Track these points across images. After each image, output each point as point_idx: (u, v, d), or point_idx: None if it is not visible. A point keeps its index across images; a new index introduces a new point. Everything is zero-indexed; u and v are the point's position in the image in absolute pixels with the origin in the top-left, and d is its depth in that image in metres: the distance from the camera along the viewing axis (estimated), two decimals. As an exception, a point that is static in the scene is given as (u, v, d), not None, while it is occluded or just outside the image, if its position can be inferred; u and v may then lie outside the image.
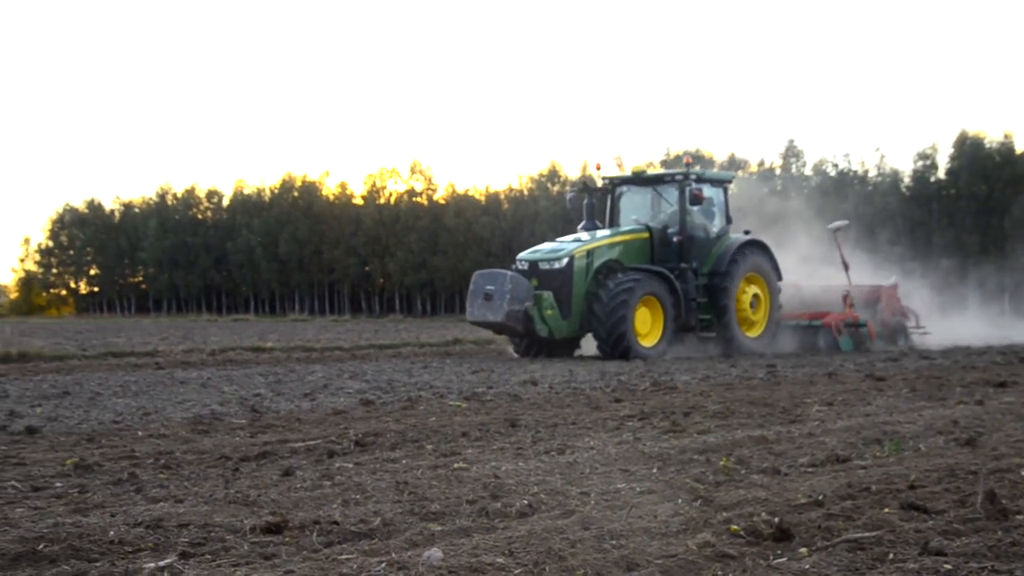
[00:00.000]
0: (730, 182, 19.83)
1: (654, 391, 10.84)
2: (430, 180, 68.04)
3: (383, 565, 3.70)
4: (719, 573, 3.77)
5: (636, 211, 19.21)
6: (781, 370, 13.69)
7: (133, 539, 4.14)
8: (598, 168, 20.05)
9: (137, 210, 77.50)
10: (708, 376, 12.82)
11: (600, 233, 18.31)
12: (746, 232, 19.38)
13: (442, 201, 66.41)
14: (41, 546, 3.96)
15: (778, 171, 60.36)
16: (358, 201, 70.29)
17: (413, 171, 68.33)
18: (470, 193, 65.99)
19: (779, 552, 4.04)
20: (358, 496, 5.07)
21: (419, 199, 67.25)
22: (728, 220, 19.23)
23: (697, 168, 19.62)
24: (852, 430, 7.51)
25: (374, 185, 70.26)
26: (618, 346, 16.93)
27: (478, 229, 61.88)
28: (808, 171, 59.53)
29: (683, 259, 18.26)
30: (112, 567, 3.74)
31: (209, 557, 3.94)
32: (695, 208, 18.74)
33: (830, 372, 13.06)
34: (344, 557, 3.87)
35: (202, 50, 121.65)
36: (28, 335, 24.66)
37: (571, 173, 61.94)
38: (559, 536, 4.14)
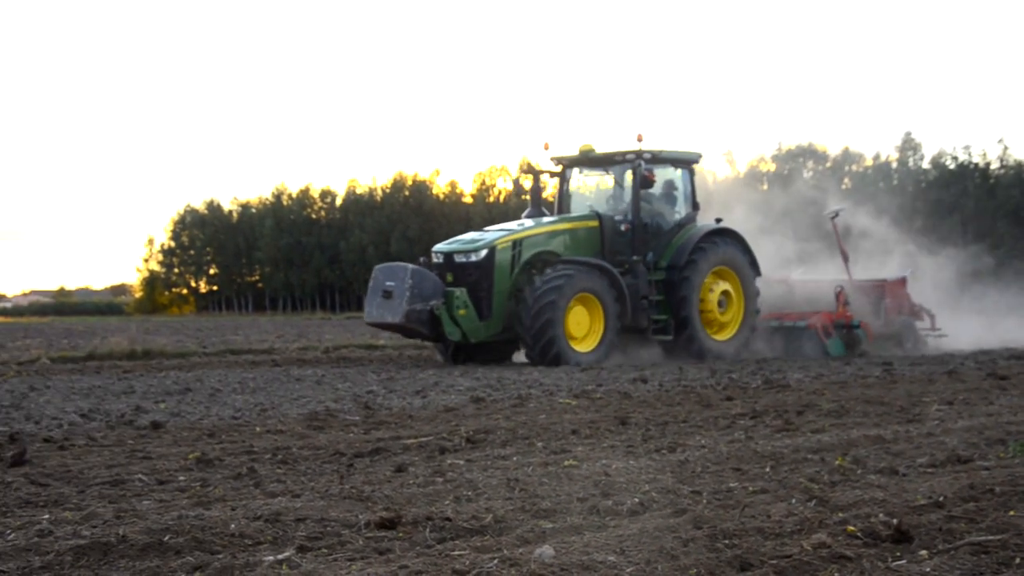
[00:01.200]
0: (696, 162, 17.00)
1: (766, 389, 10.69)
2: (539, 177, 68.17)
3: (495, 562, 3.73)
4: (836, 575, 3.71)
5: (588, 197, 17.11)
6: (898, 368, 13.36)
7: (253, 532, 4.24)
8: (546, 148, 17.24)
9: (254, 210, 79.49)
10: (822, 374, 12.59)
11: (535, 221, 16.01)
12: (717, 220, 16.85)
13: (551, 199, 66.44)
14: (167, 537, 4.09)
15: (894, 164, 58.86)
16: (468, 199, 70.84)
17: (521, 169, 68.69)
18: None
19: (898, 554, 3.95)
20: (470, 493, 5.12)
21: (526, 196, 67.47)
22: (695, 206, 16.72)
23: (650, 146, 16.30)
24: (974, 430, 7.28)
25: (483, 183, 70.73)
26: (546, 352, 14.67)
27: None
28: (926, 164, 57.91)
29: (636, 250, 15.84)
30: (233, 559, 3.84)
31: (325, 551, 4.02)
32: (656, 193, 16.43)
33: (950, 370, 12.69)
34: (457, 553, 3.91)
35: (317, 52, 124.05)
36: (152, 333, 25.48)
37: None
38: (671, 535, 4.11)
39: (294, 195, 78.02)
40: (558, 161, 17.00)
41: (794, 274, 18.55)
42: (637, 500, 4.85)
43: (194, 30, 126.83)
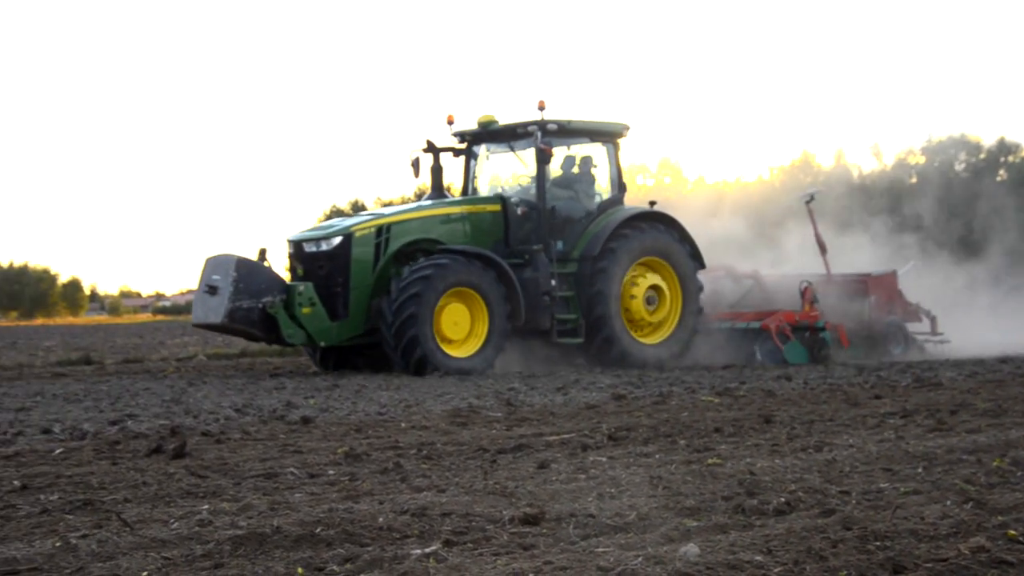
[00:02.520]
0: (619, 135, 14.73)
1: (916, 387, 10.36)
2: (679, 174, 67.49)
3: (639, 559, 3.72)
4: (994, 580, 3.58)
5: (498, 177, 15.04)
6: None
7: (400, 526, 4.33)
8: (450, 121, 14.97)
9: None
10: (976, 372, 12.13)
11: (415, 205, 14.23)
12: (651, 204, 14.83)
13: (689, 196, 65.67)
14: (318, 529, 4.21)
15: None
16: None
17: (662, 167, 68.06)
18: (719, 187, 64.95)
19: (1062, 560, 3.78)
20: (612, 490, 5.12)
21: (668, 195, 66.82)
22: (621, 187, 14.70)
23: (560, 115, 14.10)
24: None
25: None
26: (408, 354, 12.65)
27: (725, 226, 60.77)
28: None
29: (540, 239, 13.78)
30: (382, 552, 3.94)
31: (471, 545, 4.08)
32: (571, 172, 14.46)
33: (1117, 368, 12.06)
34: (601, 550, 3.92)
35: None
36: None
37: (824, 163, 59.84)
38: (819, 535, 4.03)
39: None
40: (461, 137, 14.90)
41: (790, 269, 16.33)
42: (783, 499, 4.76)
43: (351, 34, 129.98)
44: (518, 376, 12.52)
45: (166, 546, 4.06)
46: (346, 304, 13.10)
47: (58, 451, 6.56)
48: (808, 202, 16.59)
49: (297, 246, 13.41)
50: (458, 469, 5.92)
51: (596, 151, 14.72)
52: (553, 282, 13.64)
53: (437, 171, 14.97)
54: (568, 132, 14.21)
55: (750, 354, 14.69)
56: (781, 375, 12.01)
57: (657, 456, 6.24)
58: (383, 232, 13.33)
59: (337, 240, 13.17)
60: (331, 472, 5.81)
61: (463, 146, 14.98)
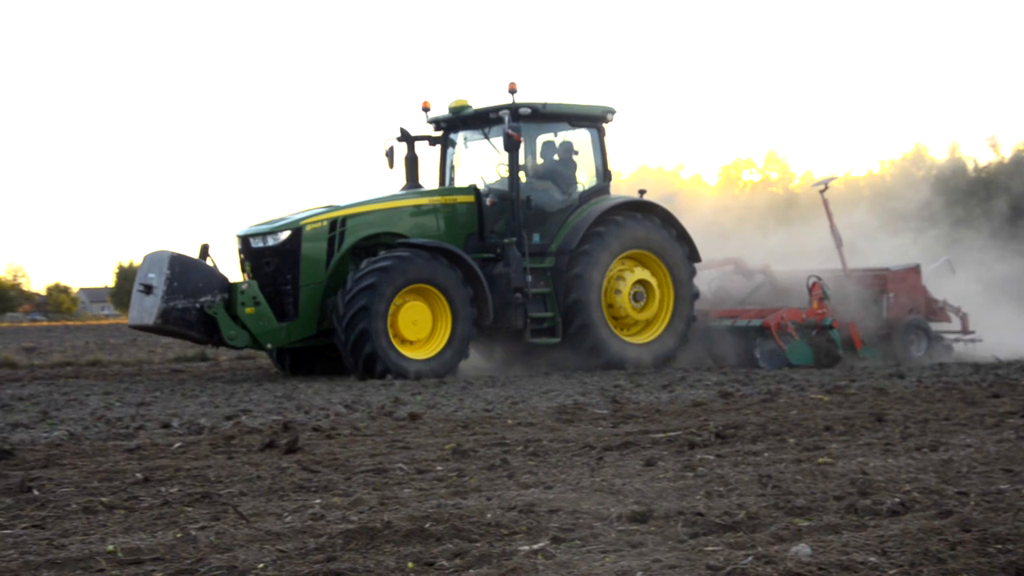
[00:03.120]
0: (604, 120, 13.75)
1: (1039, 386, 10.02)
2: (786, 169, 66.40)
3: (750, 559, 3.68)
4: (1123, 586, 3.44)
5: (477, 166, 13.86)
6: None
7: (508, 522, 4.36)
8: (425, 108, 14.05)
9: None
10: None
11: (374, 196, 12.98)
12: (641, 192, 13.80)
13: (798, 190, 64.64)
14: (428, 525, 4.26)
15: None
16: (712, 193, 69.88)
17: (768, 161, 67.00)
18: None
19: None
20: (721, 488, 5.07)
21: (775, 189, 65.76)
22: (605, 176, 13.67)
23: (535, 98, 13.07)
24: None
25: (728, 176, 69.58)
26: (358, 353, 11.74)
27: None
28: None
29: (513, 231, 12.86)
30: (490, 548, 3.97)
31: (579, 542, 4.08)
32: (550, 159, 13.47)
33: None
34: (710, 548, 3.89)
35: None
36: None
37: (938, 155, 58.19)
38: (936, 537, 3.93)
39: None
40: (436, 124, 14.02)
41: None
42: (898, 500, 4.66)
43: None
44: (625, 375, 12.47)
45: (280, 539, 4.16)
46: (296, 303, 12.18)
47: (177, 445, 6.77)
48: (822, 191, 15.38)
49: (244, 241, 12.54)
50: (565, 466, 5.93)
51: (579, 137, 13.78)
52: (530, 278, 12.77)
53: (411, 161, 14.04)
54: (544, 116, 13.27)
55: (751, 354, 13.69)
56: (893, 373, 11.73)
57: (766, 454, 6.15)
58: (337, 226, 12.39)
59: (284, 235, 12.25)
60: (439, 468, 5.88)
61: (439, 134, 14.13)
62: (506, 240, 12.76)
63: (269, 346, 12.20)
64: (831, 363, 13.40)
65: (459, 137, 14.05)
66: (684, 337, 13.61)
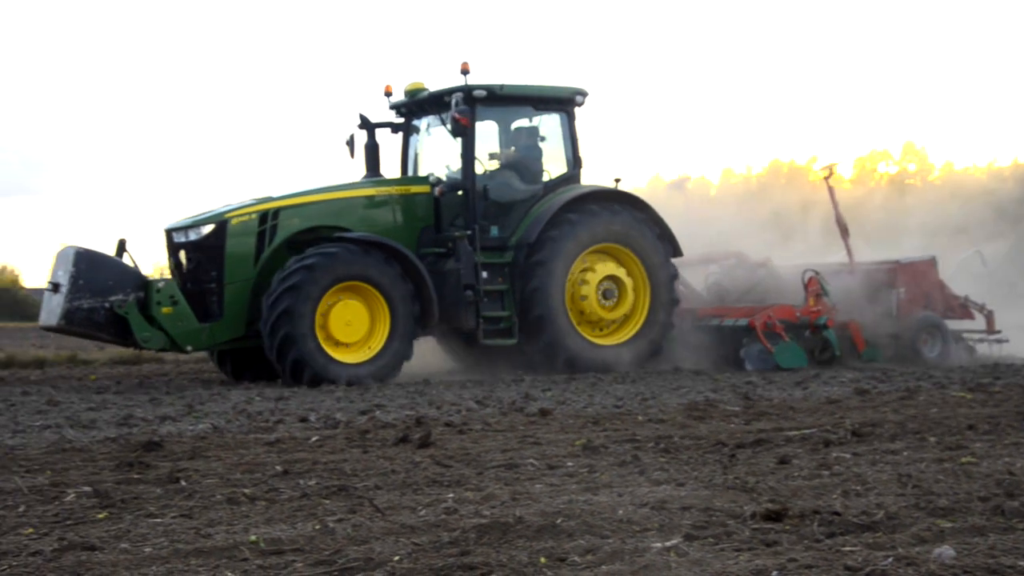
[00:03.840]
0: (573, 102, 12.69)
1: None
2: (924, 160, 64.30)
3: (890, 560, 3.59)
4: None
5: (439, 154, 12.90)
6: None
7: (640, 519, 4.35)
8: (387, 93, 13.18)
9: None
10: None
11: (314, 187, 12.06)
12: (616, 181, 12.80)
13: (938, 182, 62.49)
14: (559, 520, 4.28)
15: None
16: (847, 186, 68.11)
17: (906, 153, 64.87)
18: (969, 172, 61.45)
19: None
20: (858, 487, 4.95)
21: (912, 181, 63.66)
22: (576, 163, 12.70)
23: (490, 80, 12.17)
24: None
25: (864, 168, 67.74)
26: (283, 356, 10.92)
27: (978, 212, 57.41)
28: None
29: (467, 224, 12.00)
30: (622, 544, 3.96)
31: (712, 540, 4.05)
32: (515, 145, 12.51)
33: None
34: (847, 549, 3.81)
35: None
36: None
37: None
38: (1089, 542, 3.77)
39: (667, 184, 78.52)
40: (397, 110, 13.16)
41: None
42: (1048, 502, 4.48)
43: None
44: (756, 372, 12.28)
45: (415, 532, 4.23)
46: (220, 303, 11.35)
47: (314, 439, 6.94)
48: (827, 177, 14.16)
49: (168, 236, 11.73)
50: (696, 463, 5.88)
51: (543, 121, 12.81)
52: (485, 274, 11.93)
53: (372, 150, 13.07)
54: (503, 100, 12.36)
55: (737, 354, 12.73)
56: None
57: (905, 453, 5.99)
58: (268, 219, 11.53)
59: (207, 228, 11.42)
60: (570, 464, 5.89)
61: (401, 121, 13.31)
62: (457, 233, 11.84)
63: (189, 348, 11.42)
64: (825, 363, 12.58)
65: (422, 123, 13.18)
66: (659, 341, 12.64)
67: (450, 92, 12.08)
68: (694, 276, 14.23)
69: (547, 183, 12.63)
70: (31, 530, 4.30)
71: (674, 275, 12.81)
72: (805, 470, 5.50)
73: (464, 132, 11.91)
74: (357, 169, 13.35)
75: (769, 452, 6.17)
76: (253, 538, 4.10)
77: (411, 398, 9.60)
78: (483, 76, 12.32)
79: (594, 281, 12.28)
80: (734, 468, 5.64)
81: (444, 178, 12.48)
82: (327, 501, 4.92)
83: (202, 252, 11.47)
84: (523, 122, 12.95)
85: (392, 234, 11.89)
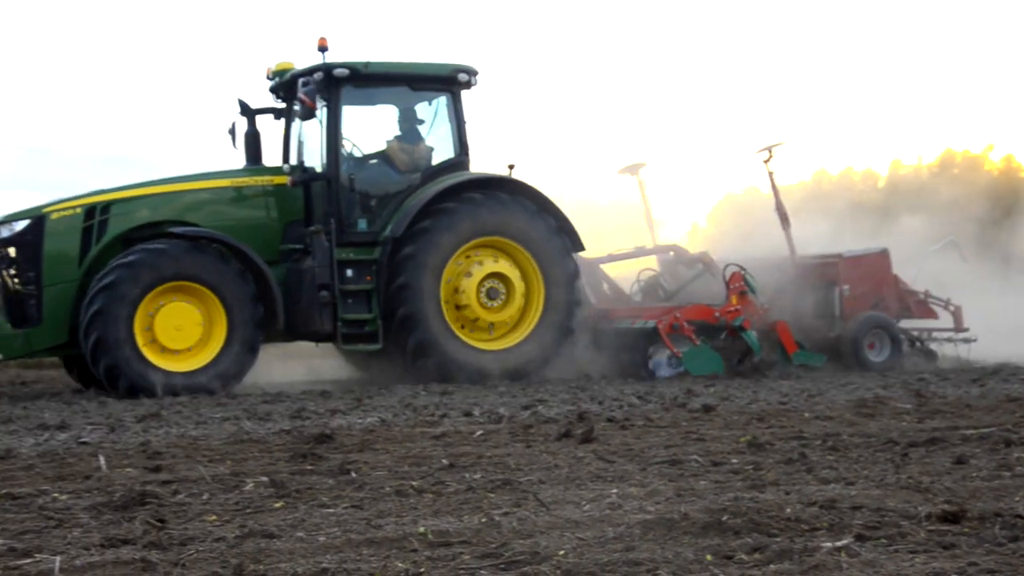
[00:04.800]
0: (457, 82, 11.49)
1: None
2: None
3: (1078, 566, 3.42)
4: None
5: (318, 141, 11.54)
6: None
7: (808, 518, 4.26)
8: (269, 76, 11.90)
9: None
10: None
11: (155, 179, 10.93)
12: (510, 167, 11.58)
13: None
14: (724, 518, 4.23)
15: None
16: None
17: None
18: None
19: None
20: (1043, 490, 4.73)
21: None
22: (462, 150, 11.52)
23: (352, 57, 11.09)
24: None
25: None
26: (96, 362, 9.97)
27: None
28: None
29: (325, 217, 10.96)
30: (791, 543, 3.89)
31: (885, 541, 3.93)
32: (406, 133, 11.37)
33: None
34: (1031, 553, 3.64)
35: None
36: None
37: None
38: None
39: (834, 178, 76.42)
40: (275, 93, 11.98)
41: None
42: None
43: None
44: (928, 368, 11.85)
45: (579, 527, 4.25)
46: (39, 306, 10.32)
47: (478, 433, 7.05)
48: (766, 160, 12.56)
49: None
50: (866, 461, 5.71)
51: (422, 102, 11.76)
52: (350, 272, 10.87)
53: (252, 137, 11.86)
54: (371, 79, 11.23)
55: (640, 360, 11.53)
56: None
57: (1095, 454, 5.68)
58: (96, 213, 10.49)
59: (21, 225, 10.42)
60: (734, 460, 5.81)
61: (284, 105, 12.11)
62: (312, 228, 10.83)
63: (1, 357, 10.53)
64: (750, 371, 11.20)
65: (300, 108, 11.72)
66: (554, 347, 11.34)
67: (311, 72, 10.98)
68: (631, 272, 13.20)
69: (426, 171, 11.45)
70: (214, 517, 4.51)
71: (573, 273, 11.51)
72: (984, 470, 5.28)
73: (311, 115, 10.92)
74: (240, 160, 12.16)
75: (944, 451, 5.95)
76: (421, 530, 4.19)
77: (573, 393, 9.64)
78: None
79: (476, 278, 11.09)
80: (907, 467, 5.46)
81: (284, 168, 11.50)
82: (492, 494, 4.99)
83: (18, 250, 10.47)
84: (417, 105, 11.81)
85: (251, 230, 10.92)
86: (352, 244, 11.02)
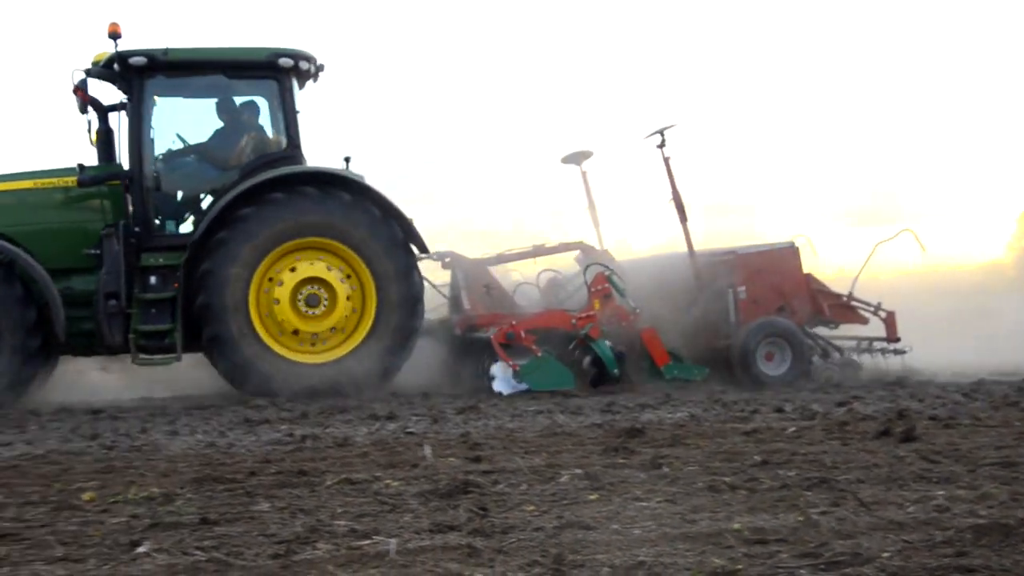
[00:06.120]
0: (276, 68, 10.22)
1: None
2: None
3: None
4: None
5: (167, 134, 10.43)
6: None
7: None
8: (91, 69, 10.33)
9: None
10: None
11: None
12: (346, 160, 10.31)
13: None
14: None
15: None
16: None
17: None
18: None
19: None
20: None
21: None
22: (290, 143, 10.28)
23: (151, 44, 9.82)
24: None
25: None
26: None
27: None
28: None
29: (138, 218, 9.85)
30: None
31: None
32: (200, 123, 10.27)
33: None
34: None
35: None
36: None
37: None
38: None
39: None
40: (115, 84, 10.65)
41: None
42: None
43: None
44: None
45: (903, 529, 4.08)
46: None
47: (791, 430, 6.90)
48: (659, 145, 10.77)
49: None
50: None
51: (256, 94, 10.69)
52: (153, 279, 9.81)
53: (105, 135, 10.71)
54: (176, 67, 10.21)
55: (475, 373, 10.29)
56: None
57: None
58: None
59: None
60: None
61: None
62: (103, 231, 9.85)
63: None
64: (602, 383, 9.86)
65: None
66: (390, 358, 10.18)
67: (110, 61, 10.11)
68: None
69: (244, 167, 10.39)
70: (533, 507, 4.68)
71: (405, 270, 10.24)
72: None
73: (84, 108, 10.16)
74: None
75: None
76: (737, 526, 4.16)
77: (890, 390, 9.25)
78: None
79: (288, 286, 10.06)
80: None
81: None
82: (808, 493, 4.87)
83: None
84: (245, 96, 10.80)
85: (57, 236, 9.95)
86: (159, 249, 10.08)
